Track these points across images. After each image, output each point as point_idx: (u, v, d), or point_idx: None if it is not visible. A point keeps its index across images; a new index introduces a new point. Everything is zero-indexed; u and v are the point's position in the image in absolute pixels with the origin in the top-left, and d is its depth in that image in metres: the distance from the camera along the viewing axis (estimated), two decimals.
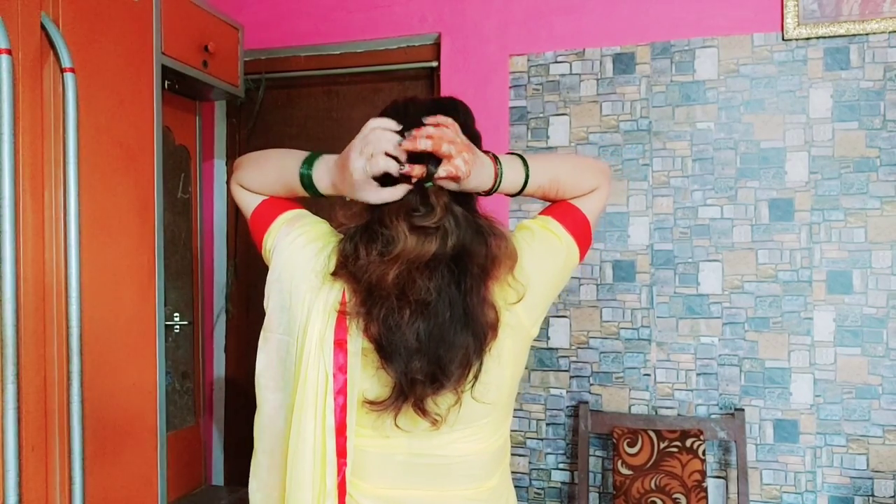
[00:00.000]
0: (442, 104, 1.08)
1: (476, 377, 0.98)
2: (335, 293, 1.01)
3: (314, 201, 1.10)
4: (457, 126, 0.98)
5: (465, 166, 0.96)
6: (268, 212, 1.12)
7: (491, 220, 1.02)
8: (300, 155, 1.08)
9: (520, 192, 1.07)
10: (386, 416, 0.99)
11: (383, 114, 1.06)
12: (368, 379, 1.01)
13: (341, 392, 1.00)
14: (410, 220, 0.96)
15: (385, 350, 0.96)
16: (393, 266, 0.94)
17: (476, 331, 0.96)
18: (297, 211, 1.12)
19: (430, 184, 0.97)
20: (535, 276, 1.04)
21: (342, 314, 1.00)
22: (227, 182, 1.18)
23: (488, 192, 1.04)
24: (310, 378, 1.00)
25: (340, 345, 1.00)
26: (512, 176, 1.05)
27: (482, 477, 1.06)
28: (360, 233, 0.98)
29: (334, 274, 1.00)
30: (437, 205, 0.96)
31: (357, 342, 1.00)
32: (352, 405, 1.00)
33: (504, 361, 1.03)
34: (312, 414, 1.00)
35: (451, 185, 0.98)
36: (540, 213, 1.13)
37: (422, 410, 0.97)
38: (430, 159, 0.96)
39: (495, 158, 1.03)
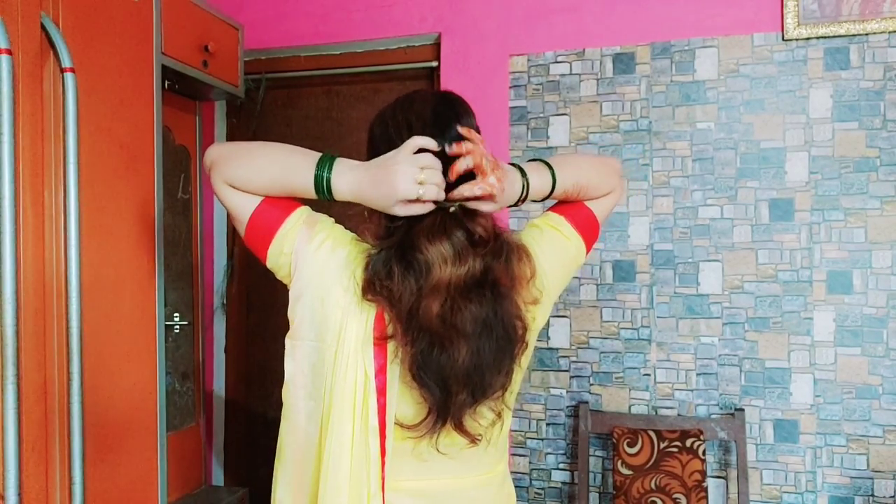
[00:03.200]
0: (444, 107, 1.04)
1: (504, 388, 1.01)
2: None
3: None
4: (484, 142, 0.99)
5: (498, 184, 0.97)
6: (273, 214, 1.03)
7: (509, 236, 1.02)
8: (308, 155, 1.02)
9: (545, 199, 1.11)
10: (423, 440, 0.99)
11: (384, 110, 1.06)
12: (403, 390, 1.00)
13: (382, 393, 0.99)
14: (446, 243, 0.95)
15: (423, 380, 0.96)
16: (436, 297, 0.93)
17: (514, 350, 0.98)
18: (306, 209, 1.06)
19: (454, 208, 0.97)
20: (546, 277, 1.06)
21: (380, 327, 0.99)
22: (212, 180, 1.06)
23: (516, 204, 1.06)
24: (348, 380, 0.98)
25: (380, 345, 0.99)
26: (538, 184, 1.07)
27: (493, 462, 1.09)
28: (395, 256, 0.95)
29: (364, 294, 0.98)
30: (475, 229, 0.97)
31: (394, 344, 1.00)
32: (391, 405, 1.00)
33: (521, 363, 1.05)
34: (350, 416, 0.99)
35: (486, 207, 0.98)
36: (551, 210, 1.15)
37: (462, 431, 0.99)
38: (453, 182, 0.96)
39: (520, 169, 1.05)
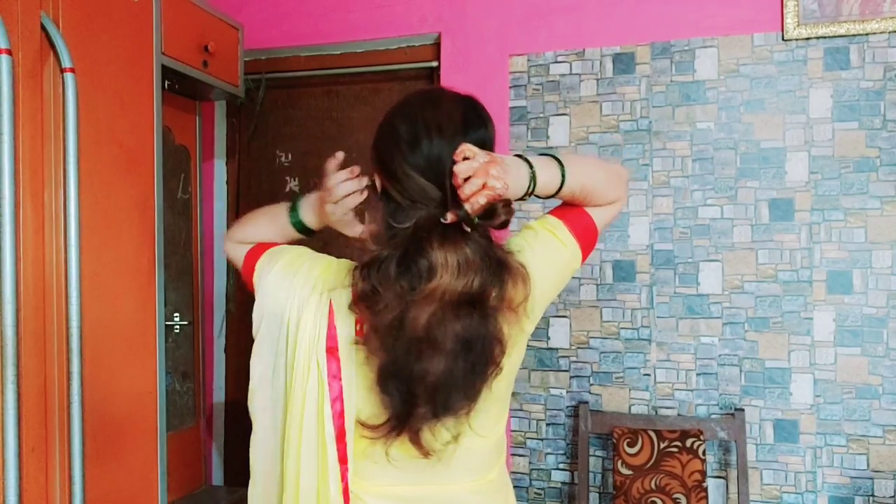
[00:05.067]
0: (473, 114, 1.03)
1: (470, 410, 0.99)
2: (324, 305, 1.03)
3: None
4: (474, 148, 0.94)
5: (499, 182, 0.90)
6: (255, 252, 1.17)
7: (507, 255, 0.99)
8: (285, 204, 1.18)
9: (553, 196, 1.04)
10: (379, 444, 1.00)
11: (408, 104, 1.04)
12: (363, 392, 1.01)
13: (338, 399, 1.01)
14: (454, 253, 0.91)
15: (386, 388, 0.96)
16: (428, 305, 0.90)
17: (486, 372, 0.97)
18: (281, 246, 1.17)
19: (476, 220, 0.94)
20: (537, 282, 1.03)
21: (331, 320, 1.03)
22: (224, 246, 1.27)
23: (522, 198, 1.00)
24: (299, 389, 1.02)
25: (332, 352, 1.01)
26: (547, 179, 1.00)
27: (483, 470, 1.07)
28: (397, 259, 0.93)
29: (355, 302, 0.98)
30: (481, 242, 0.95)
31: (349, 349, 1.01)
32: (350, 410, 1.01)
33: (499, 376, 1.02)
34: (303, 423, 1.01)
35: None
36: (550, 213, 1.10)
37: (416, 443, 0.98)
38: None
39: (527, 161, 0.99)
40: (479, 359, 0.95)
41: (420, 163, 0.96)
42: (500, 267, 0.96)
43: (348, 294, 0.99)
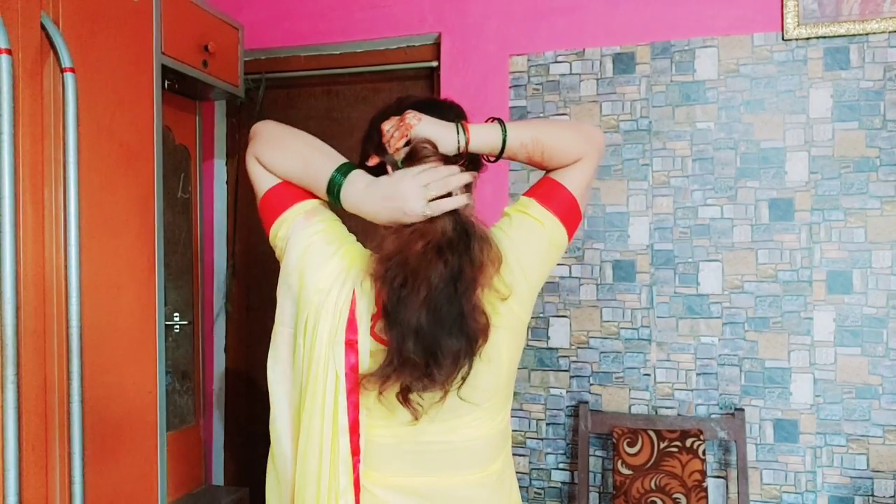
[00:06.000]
0: (434, 104, 1.10)
1: (464, 379, 0.99)
2: (345, 294, 1.03)
3: None
4: (394, 118, 1.03)
5: (415, 119, 0.99)
6: (282, 197, 1.09)
7: (474, 221, 1.02)
8: (333, 157, 1.08)
9: (501, 153, 1.06)
10: (372, 392, 1.00)
11: (383, 113, 1.08)
12: (375, 348, 1.03)
13: (353, 391, 1.01)
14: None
15: (390, 317, 0.97)
16: (420, 240, 0.96)
17: (468, 334, 0.97)
18: (314, 202, 1.10)
19: (400, 163, 1.02)
20: (519, 266, 1.05)
21: (352, 314, 1.02)
22: (247, 150, 1.15)
23: (462, 154, 1.03)
24: (319, 378, 1.01)
25: (352, 345, 1.01)
26: (483, 134, 1.03)
27: (486, 461, 1.08)
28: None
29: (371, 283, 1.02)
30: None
31: (367, 342, 1.02)
32: (364, 403, 1.02)
33: (499, 359, 1.04)
34: (321, 413, 1.01)
35: (428, 153, 1.02)
36: (523, 194, 1.12)
37: (405, 399, 0.98)
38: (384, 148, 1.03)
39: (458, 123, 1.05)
40: (462, 318, 0.96)
41: (374, 148, 1.06)
42: (463, 229, 0.99)
43: (369, 282, 1.01)
